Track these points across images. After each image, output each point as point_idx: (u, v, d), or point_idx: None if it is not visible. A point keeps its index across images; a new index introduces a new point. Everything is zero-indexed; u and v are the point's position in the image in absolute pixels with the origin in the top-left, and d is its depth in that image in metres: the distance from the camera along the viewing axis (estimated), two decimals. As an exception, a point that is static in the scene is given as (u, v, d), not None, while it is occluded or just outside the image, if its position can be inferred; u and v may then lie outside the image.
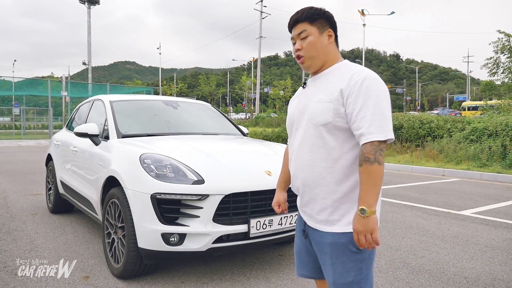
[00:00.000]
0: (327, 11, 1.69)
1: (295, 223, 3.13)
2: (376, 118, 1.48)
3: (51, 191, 5.37)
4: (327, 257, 1.61)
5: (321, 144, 1.59)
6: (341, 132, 1.57)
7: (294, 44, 1.71)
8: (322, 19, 1.66)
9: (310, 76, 1.75)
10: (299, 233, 1.83)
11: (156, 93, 39.64)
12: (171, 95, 57.39)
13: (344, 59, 1.71)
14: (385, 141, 1.49)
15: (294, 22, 1.69)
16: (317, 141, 1.60)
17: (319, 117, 1.58)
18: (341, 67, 1.65)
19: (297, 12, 1.69)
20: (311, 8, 1.67)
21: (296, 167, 1.70)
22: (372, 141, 1.47)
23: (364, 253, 1.57)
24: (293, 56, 1.75)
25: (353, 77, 1.55)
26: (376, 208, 1.49)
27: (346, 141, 1.57)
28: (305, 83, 1.77)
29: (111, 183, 3.35)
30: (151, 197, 2.83)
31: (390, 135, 1.50)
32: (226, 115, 5.16)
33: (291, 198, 3.15)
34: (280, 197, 2.04)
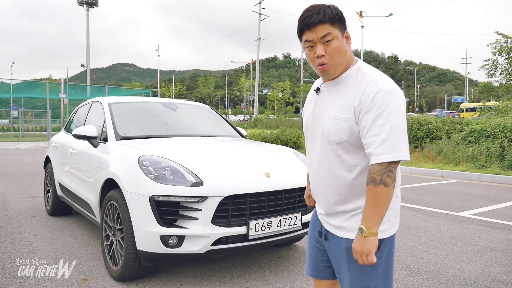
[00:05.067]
0: (339, 10, 1.51)
1: (294, 224, 3.13)
2: (387, 137, 1.39)
3: (49, 194, 5.36)
4: (344, 261, 1.59)
5: (339, 161, 1.54)
6: (358, 148, 1.50)
7: (309, 47, 1.51)
8: (341, 22, 1.50)
9: (323, 81, 1.61)
10: (313, 233, 1.78)
11: (155, 95, 39.63)
12: (169, 97, 57.37)
13: (376, 70, 1.56)
14: (396, 162, 1.41)
15: (316, 22, 1.46)
16: (334, 158, 1.55)
17: (334, 135, 1.51)
18: (356, 72, 1.52)
19: (313, 12, 1.47)
20: (328, 7, 1.48)
21: (315, 182, 1.66)
22: (380, 162, 1.40)
23: (379, 257, 1.54)
24: (309, 61, 1.56)
25: (366, 91, 1.45)
26: (377, 229, 1.44)
27: (363, 158, 1.51)
28: (318, 89, 1.63)
29: (110, 185, 3.35)
30: (149, 199, 2.82)
31: (402, 156, 1.40)
32: (225, 117, 5.16)
33: (291, 200, 3.15)
34: (309, 190, 1.93)
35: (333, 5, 1.51)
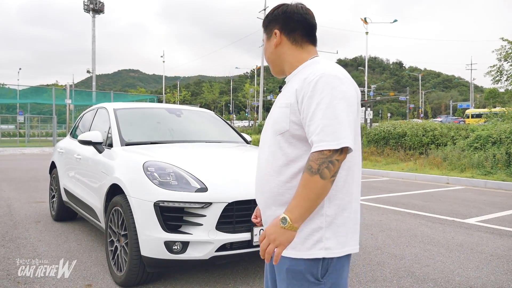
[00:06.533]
0: (280, 8, 1.50)
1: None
2: (328, 123, 1.25)
3: (54, 199, 5.38)
4: (284, 285, 1.37)
5: (280, 155, 1.38)
6: (300, 141, 1.35)
7: None
8: (272, 23, 1.51)
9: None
10: None
11: (160, 101, 39.80)
12: (174, 103, 57.61)
13: (330, 62, 1.44)
14: (339, 151, 1.24)
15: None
16: (277, 152, 1.39)
17: (278, 124, 1.39)
18: (305, 67, 1.44)
19: None
20: (269, 12, 1.55)
21: (257, 181, 1.50)
22: (321, 150, 1.24)
23: (324, 284, 1.33)
24: None
25: (309, 76, 1.34)
26: (300, 224, 1.26)
27: (306, 152, 1.34)
28: (280, 87, 1.60)
29: (115, 191, 3.36)
30: (154, 205, 2.83)
31: (345, 142, 1.24)
32: (229, 123, 5.17)
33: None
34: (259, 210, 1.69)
35: (275, 7, 1.53)
